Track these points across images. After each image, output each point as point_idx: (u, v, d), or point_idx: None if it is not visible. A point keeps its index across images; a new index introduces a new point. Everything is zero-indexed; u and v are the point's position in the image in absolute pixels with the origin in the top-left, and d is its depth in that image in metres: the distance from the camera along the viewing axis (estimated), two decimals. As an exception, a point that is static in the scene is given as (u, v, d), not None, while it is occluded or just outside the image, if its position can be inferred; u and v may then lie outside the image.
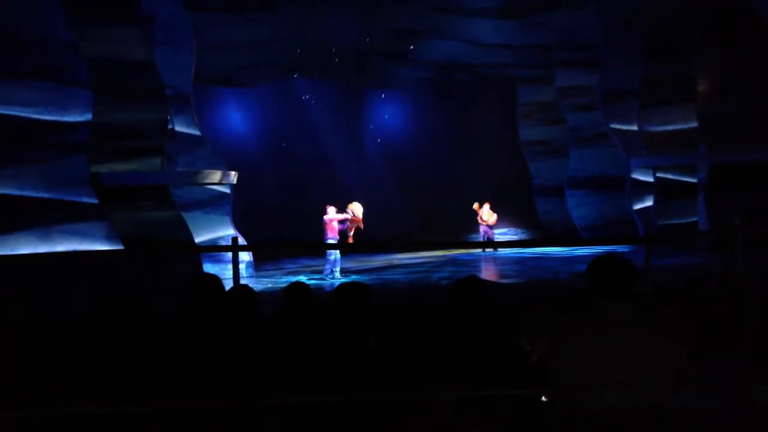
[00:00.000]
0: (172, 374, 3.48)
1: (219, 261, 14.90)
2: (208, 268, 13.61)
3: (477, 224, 21.00)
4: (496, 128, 23.70)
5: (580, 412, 3.07)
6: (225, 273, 13.31)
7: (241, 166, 17.20)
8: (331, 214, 15.48)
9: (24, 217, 10.55)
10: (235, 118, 22.61)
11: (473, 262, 18.48)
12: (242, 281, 3.73)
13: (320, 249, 16.38)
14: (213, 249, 12.50)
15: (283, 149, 22.93)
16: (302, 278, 15.87)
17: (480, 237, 20.76)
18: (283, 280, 15.66)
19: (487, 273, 16.46)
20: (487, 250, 20.21)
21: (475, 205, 20.97)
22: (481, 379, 3.50)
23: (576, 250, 18.55)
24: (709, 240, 15.23)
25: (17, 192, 10.63)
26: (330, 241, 15.38)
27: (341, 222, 15.64)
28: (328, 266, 15.38)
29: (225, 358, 3.31)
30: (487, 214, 20.77)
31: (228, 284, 3.71)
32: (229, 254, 14.01)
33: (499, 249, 20.00)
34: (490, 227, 20.79)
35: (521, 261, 17.86)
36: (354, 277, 15.09)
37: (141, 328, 3.99)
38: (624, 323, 3.15)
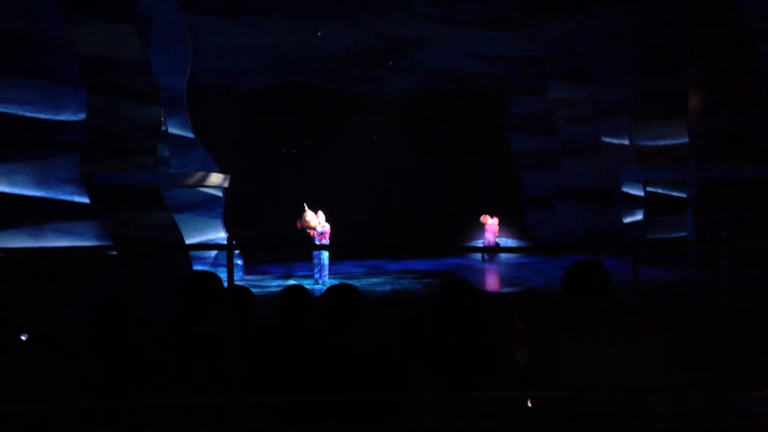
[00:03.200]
0: (168, 372, 3.49)
1: (206, 264, 14.86)
2: (195, 271, 13.55)
3: (480, 232, 21.05)
4: (488, 138, 23.77)
5: (563, 412, 3.11)
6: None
7: (233, 169, 17.19)
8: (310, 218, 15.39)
9: (16, 215, 10.53)
10: (228, 121, 22.59)
11: (467, 269, 18.52)
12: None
13: (312, 250, 16.19)
14: (208, 247, 12.44)
15: (276, 154, 22.95)
16: (292, 282, 15.86)
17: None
18: (274, 284, 15.64)
19: (482, 281, 16.54)
20: (485, 257, 20.24)
21: (483, 218, 20.95)
22: (466, 381, 3.53)
23: (566, 258, 18.67)
24: (697, 255, 15.29)
25: (9, 190, 10.61)
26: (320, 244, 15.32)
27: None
28: (316, 270, 15.33)
29: (216, 357, 3.34)
30: (493, 224, 20.86)
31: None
32: (216, 258, 13.94)
33: (495, 256, 20.09)
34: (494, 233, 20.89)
35: (512, 270, 18.01)
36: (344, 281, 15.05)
37: (135, 330, 3.99)
38: (596, 320, 3.23)
